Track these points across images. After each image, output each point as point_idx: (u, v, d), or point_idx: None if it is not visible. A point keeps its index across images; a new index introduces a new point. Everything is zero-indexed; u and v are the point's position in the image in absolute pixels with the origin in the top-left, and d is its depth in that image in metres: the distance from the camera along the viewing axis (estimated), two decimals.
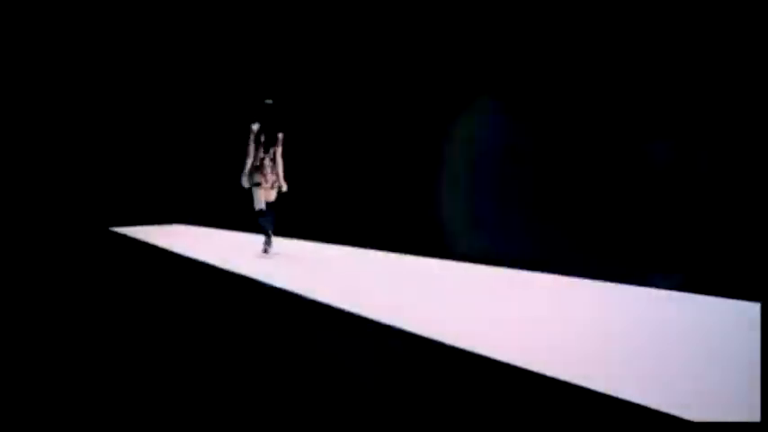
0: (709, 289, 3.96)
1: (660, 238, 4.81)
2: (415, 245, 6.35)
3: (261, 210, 6.00)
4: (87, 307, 3.58)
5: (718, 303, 3.71)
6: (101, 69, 11.05)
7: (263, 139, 5.96)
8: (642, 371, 2.29)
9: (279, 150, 6.05)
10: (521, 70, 5.99)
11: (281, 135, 6.07)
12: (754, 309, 3.37)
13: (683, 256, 4.61)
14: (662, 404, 1.88)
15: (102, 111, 11.16)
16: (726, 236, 4.41)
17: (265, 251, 6.05)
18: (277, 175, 6.06)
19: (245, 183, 6.02)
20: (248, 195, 6.11)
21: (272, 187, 6.05)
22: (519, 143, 5.97)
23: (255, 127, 5.94)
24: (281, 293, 3.95)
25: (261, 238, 6.16)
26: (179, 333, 2.99)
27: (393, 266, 5.73)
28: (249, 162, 5.92)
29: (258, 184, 5.95)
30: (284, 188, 6.12)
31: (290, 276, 4.65)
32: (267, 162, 5.96)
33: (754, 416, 1.77)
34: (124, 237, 8.44)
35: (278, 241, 6.33)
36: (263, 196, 6.01)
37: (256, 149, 5.93)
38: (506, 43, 6.10)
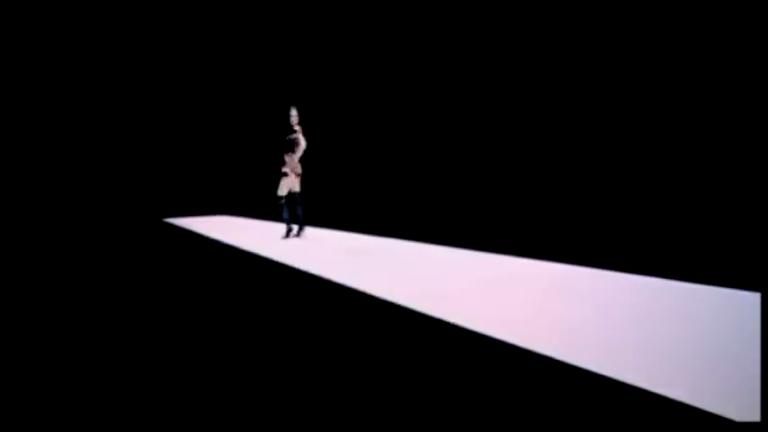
0: (707, 278, 3.96)
1: (660, 227, 5.03)
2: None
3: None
4: (142, 285, 4.29)
5: (716, 293, 3.67)
6: (157, 78, 12.02)
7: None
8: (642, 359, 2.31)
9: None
10: (523, 69, 6.27)
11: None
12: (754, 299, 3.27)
13: (682, 245, 4.82)
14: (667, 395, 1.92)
15: (159, 117, 12.16)
16: (725, 225, 4.59)
17: (292, 234, 7.05)
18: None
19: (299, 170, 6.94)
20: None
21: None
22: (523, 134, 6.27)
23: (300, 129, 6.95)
24: (300, 273, 4.54)
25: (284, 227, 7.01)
26: (216, 309, 3.61)
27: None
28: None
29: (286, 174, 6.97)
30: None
31: (308, 259, 5.25)
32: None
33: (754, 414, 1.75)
34: (175, 226, 9.31)
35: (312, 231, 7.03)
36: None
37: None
38: (509, 44, 6.40)
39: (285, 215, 6.98)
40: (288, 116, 6.97)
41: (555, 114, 6.06)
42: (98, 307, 3.41)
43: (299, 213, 7.00)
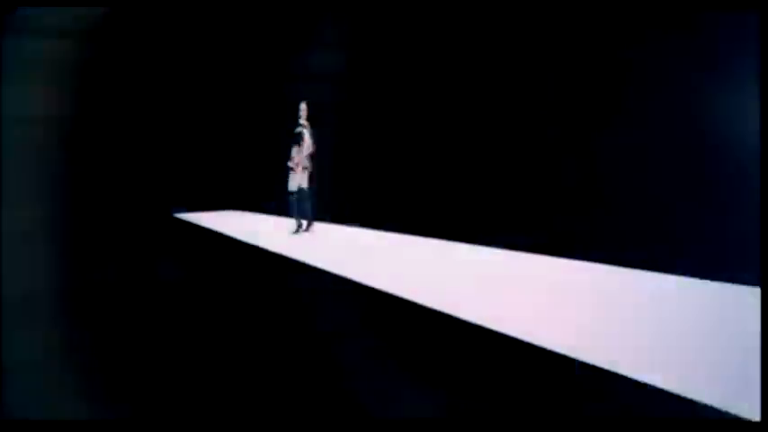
0: (706, 274, 3.98)
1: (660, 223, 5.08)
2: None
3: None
4: (152, 279, 4.41)
5: (716, 289, 3.65)
6: (168, 72, 12.12)
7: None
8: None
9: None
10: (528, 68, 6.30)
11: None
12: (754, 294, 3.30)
13: (680, 240, 4.87)
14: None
15: (168, 111, 12.27)
16: (723, 220, 4.62)
17: (301, 229, 7.11)
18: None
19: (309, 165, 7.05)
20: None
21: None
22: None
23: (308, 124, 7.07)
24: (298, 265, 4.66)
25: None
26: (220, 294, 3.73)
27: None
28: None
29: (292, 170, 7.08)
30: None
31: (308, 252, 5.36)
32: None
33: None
34: (184, 221, 9.45)
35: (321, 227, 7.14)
36: None
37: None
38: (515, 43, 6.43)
39: (294, 211, 7.05)
40: (297, 110, 7.06)
41: (566, 114, 6.10)
42: (107, 301, 3.52)
43: (308, 209, 7.05)
